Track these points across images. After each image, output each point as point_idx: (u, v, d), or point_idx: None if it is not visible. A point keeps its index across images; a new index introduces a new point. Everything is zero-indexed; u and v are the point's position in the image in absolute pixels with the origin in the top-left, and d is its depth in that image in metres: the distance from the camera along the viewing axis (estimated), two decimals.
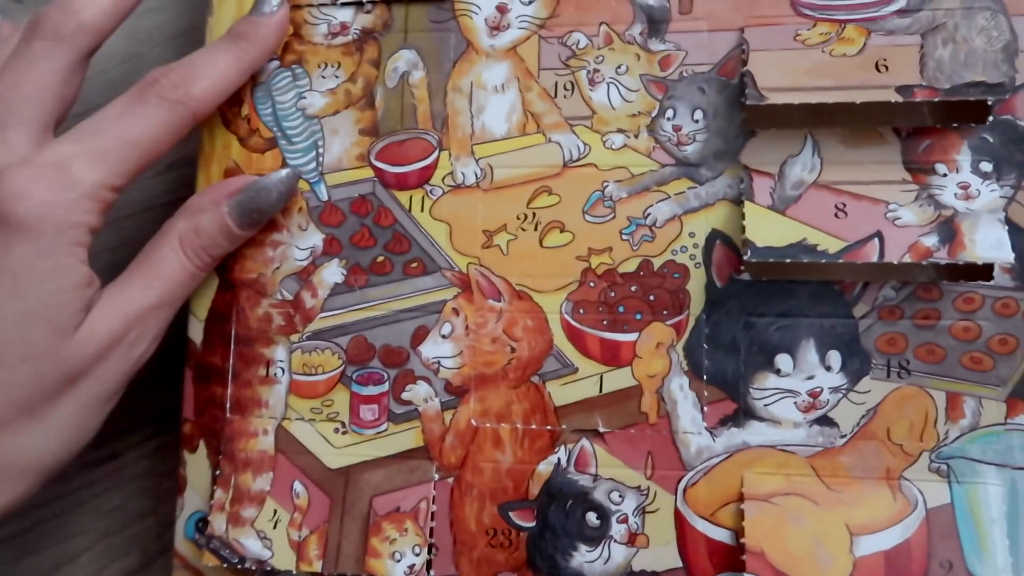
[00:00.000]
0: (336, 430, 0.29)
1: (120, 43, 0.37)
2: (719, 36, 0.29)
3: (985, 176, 0.27)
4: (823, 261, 0.26)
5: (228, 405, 0.30)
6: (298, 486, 0.29)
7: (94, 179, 0.26)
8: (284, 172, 0.29)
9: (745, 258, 0.26)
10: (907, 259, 0.26)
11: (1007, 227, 0.26)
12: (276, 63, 0.31)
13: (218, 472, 0.29)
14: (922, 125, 0.27)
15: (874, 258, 0.26)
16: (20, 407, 0.25)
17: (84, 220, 0.26)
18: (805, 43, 0.28)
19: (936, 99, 0.26)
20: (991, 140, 0.27)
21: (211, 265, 0.29)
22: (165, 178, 0.36)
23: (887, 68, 0.27)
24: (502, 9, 0.30)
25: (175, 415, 0.32)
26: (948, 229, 0.26)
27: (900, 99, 0.26)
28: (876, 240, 0.26)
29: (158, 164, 0.36)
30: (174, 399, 0.32)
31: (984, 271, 0.27)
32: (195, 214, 0.28)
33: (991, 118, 0.27)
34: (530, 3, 0.30)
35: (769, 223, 0.27)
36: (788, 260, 0.26)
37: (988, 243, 0.26)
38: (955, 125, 0.27)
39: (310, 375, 0.30)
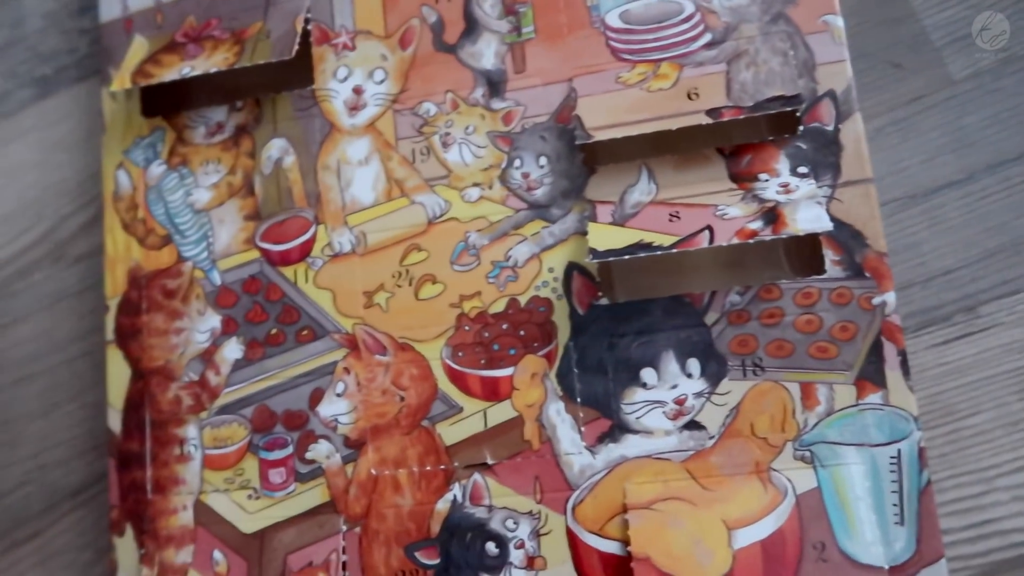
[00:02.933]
0: (249, 496, 0.31)
1: (30, 152, 0.40)
2: (552, 88, 0.31)
3: (803, 176, 0.29)
4: (659, 253, 0.28)
5: (149, 487, 0.32)
6: (217, 554, 0.31)
7: None
8: None
9: (587, 259, 0.28)
10: (734, 241, 0.28)
11: (829, 217, 0.28)
12: (163, 167, 0.34)
13: (143, 551, 0.31)
14: (741, 142, 0.29)
15: (704, 244, 0.28)
16: None
17: None
18: (626, 84, 0.31)
19: (741, 116, 0.29)
20: (804, 147, 0.29)
21: None
22: (75, 270, 0.38)
23: (698, 95, 0.30)
24: (358, 91, 0.33)
25: (92, 487, 0.34)
26: (771, 215, 0.28)
27: (710, 120, 0.29)
28: (706, 231, 0.28)
29: (67, 256, 0.39)
30: (91, 473, 0.34)
31: (816, 264, 0.29)
32: None
33: (801, 128, 0.29)
34: (382, 82, 0.33)
35: (609, 233, 0.29)
36: (627, 257, 0.28)
37: (807, 219, 0.28)
38: (770, 138, 0.29)
39: (221, 448, 0.32)
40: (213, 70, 0.32)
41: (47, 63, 0.42)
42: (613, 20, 0.31)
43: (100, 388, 0.37)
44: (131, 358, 0.33)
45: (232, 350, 0.32)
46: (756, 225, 0.28)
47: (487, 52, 0.32)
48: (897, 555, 0.27)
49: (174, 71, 0.33)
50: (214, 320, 0.32)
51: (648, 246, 0.28)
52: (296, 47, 0.32)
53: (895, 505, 0.27)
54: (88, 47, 0.42)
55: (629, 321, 0.30)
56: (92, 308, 0.38)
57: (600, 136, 0.29)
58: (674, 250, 0.28)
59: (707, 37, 0.31)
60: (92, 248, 0.39)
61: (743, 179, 0.29)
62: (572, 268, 0.30)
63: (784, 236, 0.27)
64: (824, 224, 0.27)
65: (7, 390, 0.38)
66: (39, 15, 0.44)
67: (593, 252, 0.28)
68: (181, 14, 0.35)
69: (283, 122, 0.33)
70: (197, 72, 0.33)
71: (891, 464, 0.27)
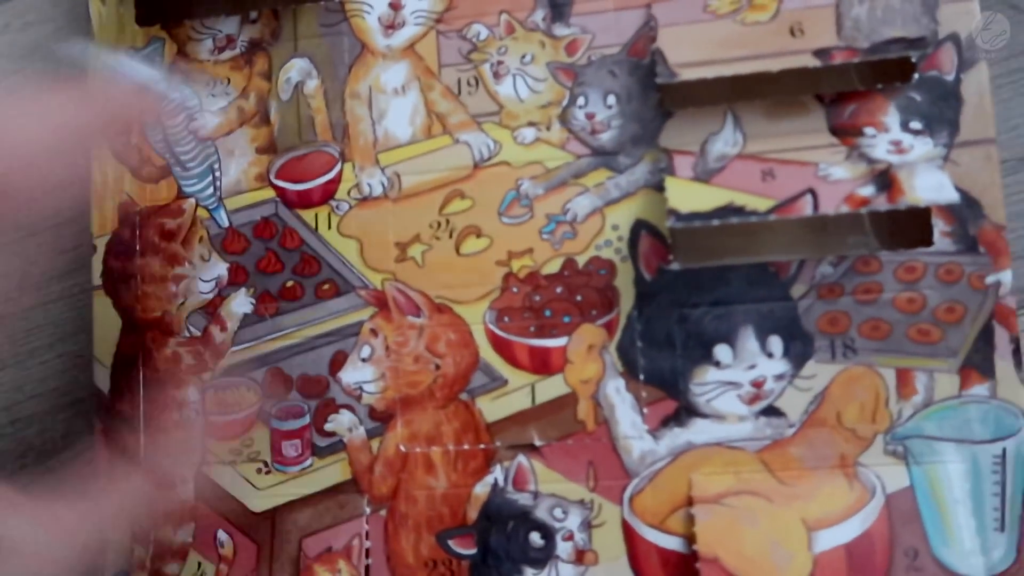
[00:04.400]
0: (259, 470, 0.27)
1: (1, 60, 0.35)
2: (626, 15, 0.27)
3: (917, 133, 0.25)
4: (753, 220, 0.24)
5: (142, 454, 0.28)
6: (222, 535, 0.27)
7: None
8: None
9: (668, 224, 0.25)
10: (844, 210, 0.24)
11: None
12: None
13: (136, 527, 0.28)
14: (846, 89, 0.26)
15: (808, 211, 0.24)
16: None
17: None
18: (716, 13, 0.26)
19: (856, 60, 0.25)
20: (918, 99, 0.25)
21: None
22: (51, 199, 0.34)
23: (803, 32, 0.25)
24: (395, 6, 0.28)
25: (73, 448, 0.30)
26: (884, 179, 0.25)
27: (818, 63, 0.25)
28: (808, 196, 0.25)
29: (44, 183, 0.34)
30: (70, 431, 0.30)
31: (924, 236, 0.25)
32: None
33: (916, 75, 0.25)
34: None
35: (692, 191, 0.25)
36: (716, 222, 0.24)
37: (929, 187, 0.24)
38: (880, 87, 0.25)
39: (226, 414, 0.28)
40: None
41: None
42: None
43: (81, 337, 0.33)
44: (122, 307, 0.28)
45: (241, 303, 0.28)
46: (867, 191, 0.24)
47: None
48: (995, 564, 0.24)
49: None
50: (220, 268, 0.28)
51: (741, 210, 0.24)
52: None
53: (996, 509, 0.24)
54: None
55: (703, 290, 0.26)
56: (73, 244, 0.34)
57: (687, 74, 0.25)
58: (772, 217, 0.24)
59: None
60: (73, 177, 0.34)
61: (846, 133, 0.25)
62: (640, 227, 0.26)
63: (903, 207, 0.24)
64: (949, 195, 0.24)
65: None
66: None
67: (675, 215, 0.24)
68: None
69: (305, 39, 0.29)
70: None
71: (994, 464, 0.24)
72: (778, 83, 0.25)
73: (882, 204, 0.24)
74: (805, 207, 0.24)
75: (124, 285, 0.29)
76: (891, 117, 0.25)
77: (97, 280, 0.29)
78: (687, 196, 0.25)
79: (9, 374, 0.34)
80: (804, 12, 0.26)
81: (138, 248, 0.28)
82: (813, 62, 0.25)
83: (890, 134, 0.25)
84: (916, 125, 0.25)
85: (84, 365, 0.33)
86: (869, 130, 0.25)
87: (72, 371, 0.33)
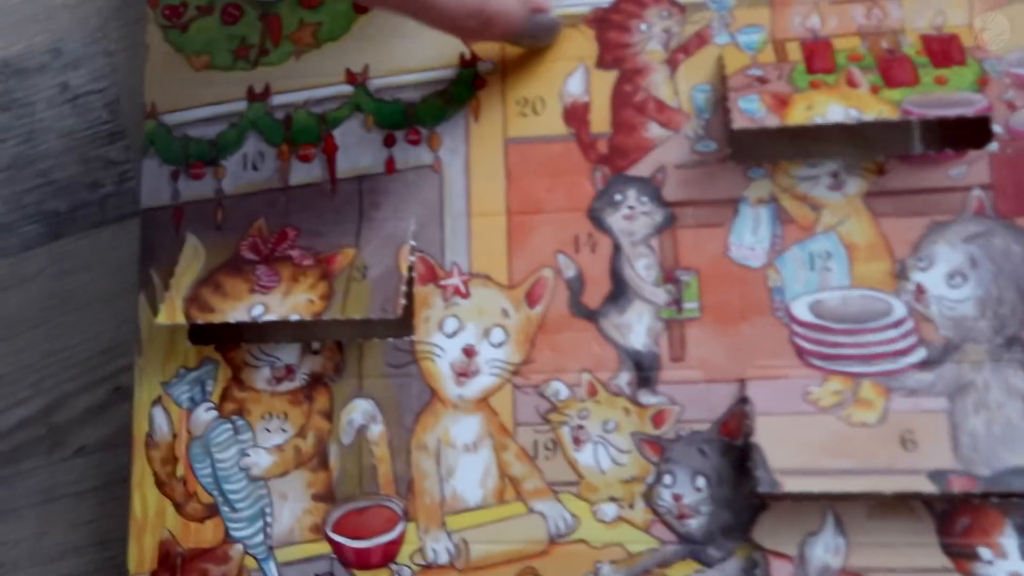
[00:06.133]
0: None
1: (31, 305, 0.34)
2: (717, 388, 0.25)
3: None
4: None
5: None
6: None
7: None
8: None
9: None
10: None
11: None
12: (214, 413, 0.27)
13: None
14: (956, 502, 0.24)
15: None
16: None
17: None
18: (817, 404, 0.25)
19: (976, 491, 0.23)
20: None
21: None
22: (73, 464, 0.32)
23: (915, 444, 0.24)
24: (469, 352, 0.26)
25: None
26: None
27: (935, 490, 0.23)
28: None
29: (65, 445, 0.32)
30: None
31: None
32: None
33: None
34: (500, 345, 0.26)
35: None
36: None
37: None
38: (995, 500, 0.23)
39: None
40: (294, 318, 0.25)
41: (61, 196, 0.35)
42: (801, 311, 0.25)
43: None
44: None
45: None
46: None
47: (637, 326, 0.26)
48: None
49: (241, 308, 0.26)
50: None
51: None
52: (403, 301, 0.25)
53: None
54: (114, 185, 0.35)
55: None
56: (90, 518, 0.32)
57: (790, 485, 0.23)
58: None
59: (921, 353, 0.24)
60: (99, 441, 0.32)
61: (958, 552, 0.23)
62: None
63: None
64: None
65: None
66: (55, 132, 0.36)
67: None
68: (249, 214, 0.28)
69: (371, 378, 0.27)
70: (272, 316, 0.26)
71: None
72: (896, 503, 0.23)
73: None
74: None
75: None
76: (1008, 538, 0.23)
77: None
78: None
79: None
80: (915, 417, 0.24)
81: None
82: (929, 488, 0.23)
83: (1008, 562, 0.23)
84: None
85: None
86: (984, 552, 0.23)
87: None
